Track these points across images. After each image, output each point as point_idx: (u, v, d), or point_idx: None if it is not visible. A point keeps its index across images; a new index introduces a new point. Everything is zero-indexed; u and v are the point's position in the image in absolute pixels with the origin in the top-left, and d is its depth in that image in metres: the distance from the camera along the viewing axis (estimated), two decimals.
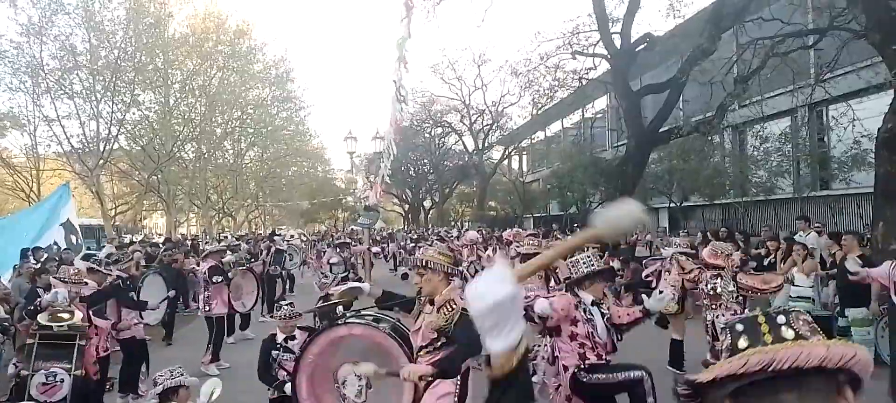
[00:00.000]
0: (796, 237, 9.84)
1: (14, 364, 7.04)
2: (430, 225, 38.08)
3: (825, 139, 15.95)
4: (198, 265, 14.33)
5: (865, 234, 10.03)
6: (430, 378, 3.24)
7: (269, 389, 4.74)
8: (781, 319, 1.23)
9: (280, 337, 4.87)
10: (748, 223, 17.33)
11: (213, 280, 8.46)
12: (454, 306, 3.32)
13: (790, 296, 8.19)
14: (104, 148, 25.65)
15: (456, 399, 3.37)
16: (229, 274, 9.23)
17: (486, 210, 36.90)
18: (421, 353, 3.34)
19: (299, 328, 4.92)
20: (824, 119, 15.78)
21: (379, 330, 3.35)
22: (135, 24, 25.49)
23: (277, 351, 4.78)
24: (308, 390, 3.22)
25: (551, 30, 48.81)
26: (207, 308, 8.40)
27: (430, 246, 15.51)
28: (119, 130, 26.52)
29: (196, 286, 14.42)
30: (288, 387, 4.62)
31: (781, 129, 15.70)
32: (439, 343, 3.31)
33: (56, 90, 24.68)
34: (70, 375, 4.01)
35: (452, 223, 39.27)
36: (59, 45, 24.29)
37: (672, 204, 19.38)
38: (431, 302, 3.44)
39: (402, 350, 3.33)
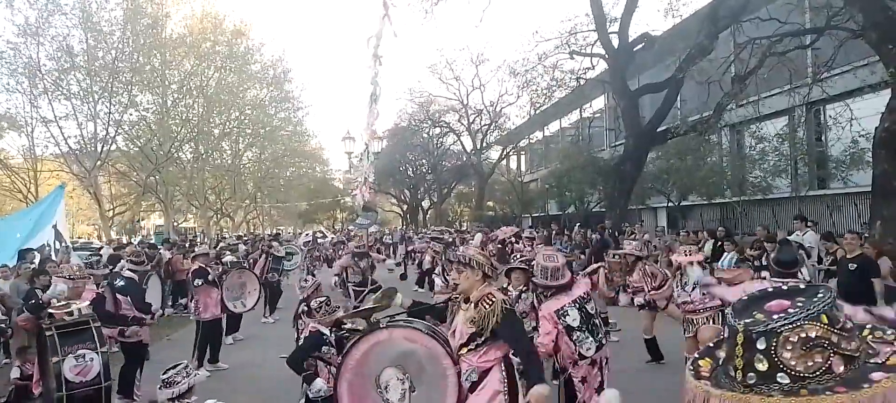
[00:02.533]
0: (793, 236, 9.85)
1: (17, 366, 7.04)
2: (428, 225, 38.08)
3: (822, 138, 15.99)
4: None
5: (864, 232, 10.06)
6: (479, 378, 3.28)
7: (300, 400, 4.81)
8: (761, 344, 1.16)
9: (326, 332, 4.91)
10: (746, 222, 17.36)
11: (195, 283, 8.34)
12: (493, 299, 3.34)
13: None
14: (102, 149, 25.61)
15: (506, 398, 3.37)
16: (224, 276, 9.12)
17: (484, 210, 36.90)
18: (462, 352, 3.34)
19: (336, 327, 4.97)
20: (822, 118, 15.83)
21: (423, 333, 3.31)
22: (132, 25, 25.45)
23: (326, 346, 4.82)
24: (350, 398, 3.17)
25: (549, 30, 48.58)
26: (196, 311, 8.30)
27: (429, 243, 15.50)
28: (117, 131, 26.48)
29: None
30: (317, 385, 4.64)
31: (779, 129, 15.73)
32: (480, 339, 3.31)
33: (53, 91, 24.62)
34: (98, 353, 4.11)
35: (452, 223, 39.25)
36: (57, 46, 24.25)
37: (670, 204, 19.41)
38: (466, 300, 3.46)
39: (446, 351, 3.28)
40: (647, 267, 7.53)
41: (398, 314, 3.62)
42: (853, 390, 1.06)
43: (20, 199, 26.94)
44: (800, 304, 1.16)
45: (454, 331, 3.46)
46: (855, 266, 7.41)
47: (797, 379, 1.08)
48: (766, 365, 1.12)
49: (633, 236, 12.31)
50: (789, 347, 1.09)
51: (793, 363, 1.09)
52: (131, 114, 27.27)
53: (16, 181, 27.06)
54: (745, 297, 1.29)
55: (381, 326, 3.34)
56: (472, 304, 3.40)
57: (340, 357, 3.29)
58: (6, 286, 8.95)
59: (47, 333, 4.28)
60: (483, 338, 3.31)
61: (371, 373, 3.22)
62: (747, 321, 1.18)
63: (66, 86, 24.97)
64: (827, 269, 8.64)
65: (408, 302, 3.88)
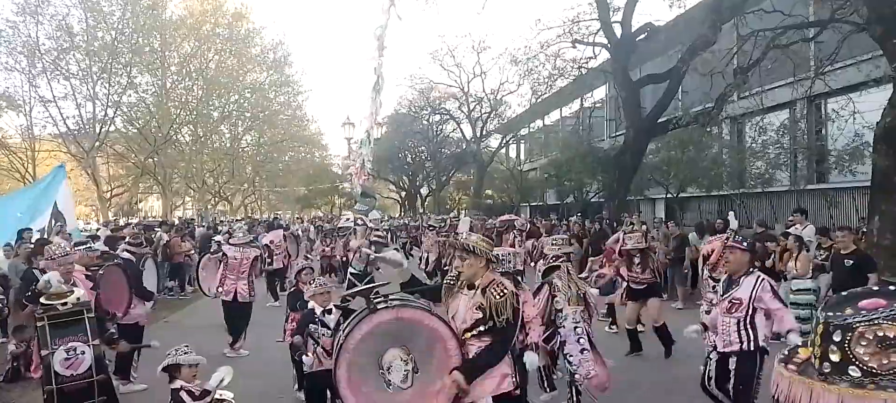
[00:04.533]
0: (791, 230, 9.85)
1: (13, 343, 7.05)
2: (426, 212, 38.06)
3: (823, 132, 15.96)
4: (193, 249, 14.35)
5: (861, 228, 10.05)
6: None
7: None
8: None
9: (318, 311, 4.95)
10: (744, 215, 17.37)
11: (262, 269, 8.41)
12: (504, 289, 3.29)
13: (791, 290, 8.21)
14: (100, 130, 25.55)
15: (515, 379, 3.36)
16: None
17: (483, 198, 36.88)
18: (466, 336, 3.30)
19: (335, 306, 5.00)
20: (823, 112, 15.78)
21: (429, 313, 3.24)
22: (132, 6, 25.30)
23: (315, 325, 4.88)
24: (348, 378, 3.07)
25: (552, 18, 48.49)
26: (253, 294, 8.35)
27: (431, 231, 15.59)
28: (115, 112, 26.40)
29: (191, 270, 14.43)
30: (306, 360, 4.76)
31: (780, 121, 15.69)
32: (485, 327, 3.27)
33: (52, 71, 24.50)
34: (89, 346, 4.06)
35: (450, 210, 39.23)
36: (56, 26, 24.11)
37: (669, 195, 19.39)
38: (470, 286, 3.40)
39: (452, 333, 3.23)
40: (651, 260, 7.59)
41: (394, 292, 3.57)
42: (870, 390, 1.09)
43: (18, 179, 26.88)
44: None
45: (454, 315, 3.41)
46: (851, 261, 7.45)
47: (867, 374, 1.11)
48: (839, 357, 1.15)
49: (632, 225, 12.29)
50: (864, 343, 1.12)
51: (866, 358, 1.11)
52: (130, 96, 27.22)
53: (14, 161, 26.97)
54: (845, 293, 1.29)
55: (387, 305, 3.25)
56: (479, 290, 3.35)
57: (342, 337, 3.20)
58: (5, 266, 8.94)
59: (39, 324, 4.22)
60: (487, 326, 3.26)
61: (374, 354, 3.14)
62: (829, 314, 1.20)
63: (65, 66, 24.86)
64: (820, 264, 8.64)
65: (407, 275, 3.87)
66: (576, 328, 5.11)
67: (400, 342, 3.16)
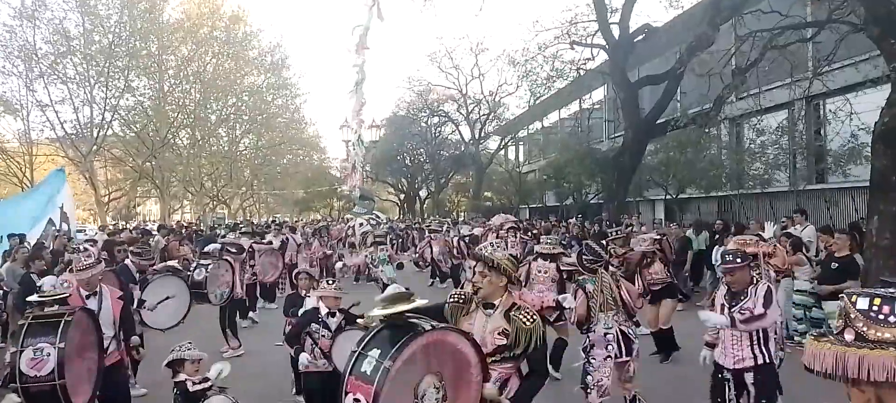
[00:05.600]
0: (791, 230, 9.85)
1: (11, 351, 7.01)
2: (425, 215, 38.05)
3: (822, 132, 15.97)
4: (193, 254, 14.32)
5: (856, 234, 9.98)
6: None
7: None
8: None
9: (323, 311, 4.96)
10: (743, 216, 17.37)
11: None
12: (534, 315, 3.17)
13: (792, 290, 8.22)
14: (98, 134, 25.51)
15: None
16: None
17: (481, 200, 36.88)
18: (488, 363, 3.13)
19: (339, 310, 5.00)
20: (821, 112, 15.79)
21: (465, 338, 3.02)
22: (129, 9, 25.28)
23: (318, 325, 4.91)
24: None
25: (550, 19, 48.59)
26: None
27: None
28: (113, 116, 26.37)
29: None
30: (302, 358, 4.84)
31: (778, 122, 15.70)
32: (509, 353, 3.15)
33: (49, 75, 24.48)
34: (54, 348, 4.06)
35: (448, 213, 39.19)
36: (53, 30, 24.08)
37: (668, 196, 19.40)
38: (487, 305, 3.26)
39: (479, 358, 3.02)
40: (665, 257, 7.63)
41: (401, 312, 3.34)
42: (827, 343, 1.48)
43: (15, 184, 26.82)
44: None
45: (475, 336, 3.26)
46: (837, 265, 7.52)
47: (836, 333, 1.52)
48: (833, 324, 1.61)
49: (631, 227, 12.32)
50: (838, 312, 1.56)
51: (838, 324, 1.54)
52: (128, 100, 27.23)
53: (11, 165, 26.91)
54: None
55: (433, 327, 2.90)
56: (499, 312, 3.21)
57: (387, 361, 2.68)
58: (3, 270, 8.91)
59: (20, 323, 4.27)
60: (513, 353, 3.14)
61: (410, 382, 2.80)
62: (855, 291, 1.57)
63: (62, 70, 24.82)
64: (820, 261, 8.65)
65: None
66: (606, 334, 5.10)
67: (433, 368, 2.88)
